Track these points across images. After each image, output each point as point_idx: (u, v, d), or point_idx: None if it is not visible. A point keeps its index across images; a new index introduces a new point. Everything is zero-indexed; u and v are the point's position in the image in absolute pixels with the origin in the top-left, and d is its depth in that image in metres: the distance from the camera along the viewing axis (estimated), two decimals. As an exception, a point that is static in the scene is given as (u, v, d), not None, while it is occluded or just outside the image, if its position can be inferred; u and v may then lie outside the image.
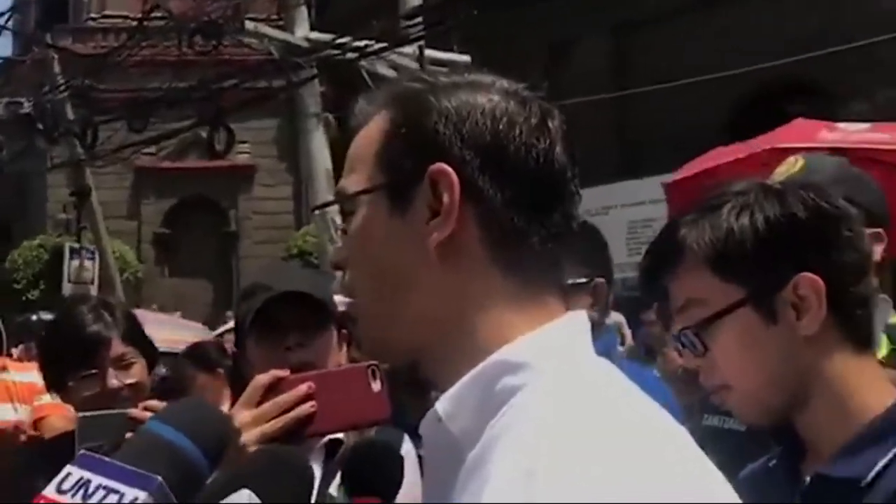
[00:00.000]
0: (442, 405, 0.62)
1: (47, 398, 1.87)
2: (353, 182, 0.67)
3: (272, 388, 0.96)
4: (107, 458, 0.67)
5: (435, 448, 0.64)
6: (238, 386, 1.42)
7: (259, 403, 0.95)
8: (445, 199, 0.62)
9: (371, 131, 0.67)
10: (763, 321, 0.87)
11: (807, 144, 3.90)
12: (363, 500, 0.97)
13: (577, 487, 0.51)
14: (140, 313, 2.26)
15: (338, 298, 1.61)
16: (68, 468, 0.67)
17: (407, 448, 1.44)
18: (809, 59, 8.41)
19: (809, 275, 0.85)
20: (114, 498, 0.64)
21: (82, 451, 0.69)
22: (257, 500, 0.79)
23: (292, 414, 0.93)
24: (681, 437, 0.59)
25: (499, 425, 0.59)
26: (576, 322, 0.64)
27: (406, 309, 0.64)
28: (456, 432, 0.61)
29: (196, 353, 3.72)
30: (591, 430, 0.55)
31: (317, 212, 8.39)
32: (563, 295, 0.66)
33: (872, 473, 0.82)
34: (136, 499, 0.64)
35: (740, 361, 0.88)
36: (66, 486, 0.66)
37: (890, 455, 0.82)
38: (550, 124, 0.65)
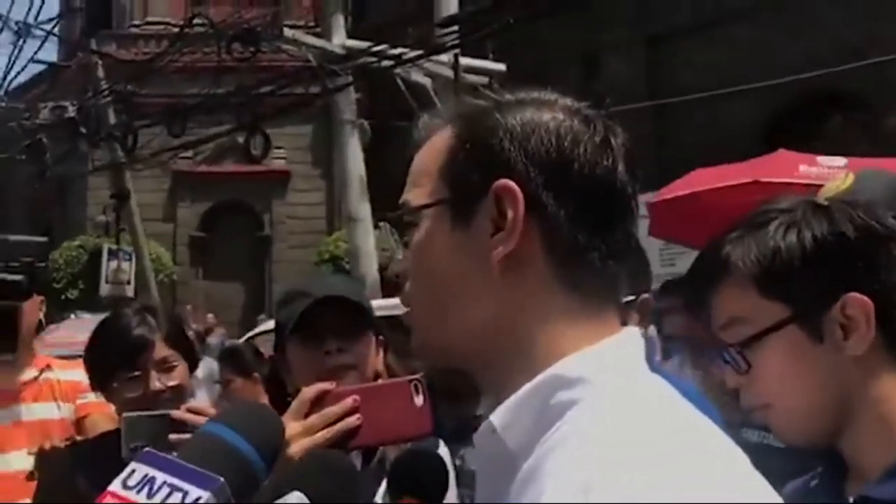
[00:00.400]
0: (497, 417, 0.62)
1: (91, 396, 1.92)
2: (417, 195, 0.68)
3: (319, 401, 0.98)
4: (171, 457, 0.69)
5: (488, 459, 0.64)
6: (275, 389, 1.45)
7: (306, 415, 0.98)
8: (510, 214, 0.63)
9: (436, 146, 0.68)
10: (809, 340, 0.85)
11: (786, 179, 3.89)
12: (408, 501, 0.97)
13: (634, 498, 0.51)
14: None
15: (376, 303, 1.64)
16: (133, 464, 0.68)
17: (442, 454, 1.46)
18: (848, 70, 8.28)
19: (858, 295, 0.84)
20: (178, 496, 0.65)
21: (147, 448, 0.71)
22: (307, 502, 0.80)
23: (339, 426, 0.95)
24: (733, 451, 0.59)
25: (553, 438, 0.59)
26: (631, 338, 0.65)
27: (464, 320, 0.65)
28: (510, 444, 0.61)
29: (232, 357, 3.77)
30: (647, 442, 0.55)
31: (349, 218, 8.45)
32: (620, 311, 0.67)
33: None
34: (200, 498, 0.65)
35: (784, 381, 0.87)
36: (131, 482, 0.67)
37: None
38: (614, 142, 0.66)
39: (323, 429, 0.96)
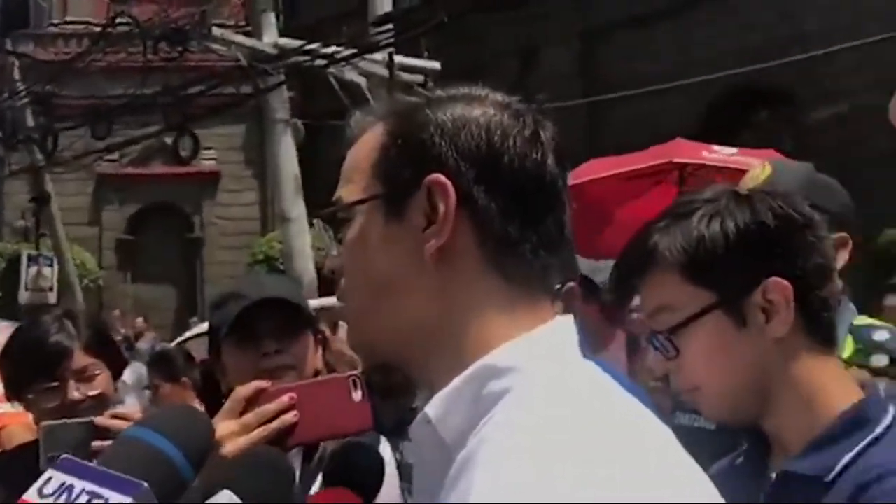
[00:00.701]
0: (432, 408, 0.63)
1: (6, 406, 1.85)
2: (350, 192, 0.69)
3: (254, 400, 0.97)
4: (91, 463, 0.67)
5: (424, 449, 0.65)
6: (210, 392, 1.43)
7: (241, 414, 0.96)
8: (441, 207, 0.64)
9: (368, 143, 0.69)
10: (733, 325, 0.89)
11: (698, 161, 4.15)
12: (335, 490, 0.97)
13: (565, 494, 0.52)
14: None
15: (315, 302, 1.63)
16: (50, 472, 0.66)
17: (384, 449, 1.47)
18: (775, 66, 8.62)
19: (778, 280, 0.88)
20: (99, 503, 0.64)
21: (65, 456, 0.68)
22: (238, 501, 0.79)
23: (274, 424, 0.94)
24: (664, 436, 0.61)
25: (485, 429, 0.60)
26: (563, 326, 0.67)
27: (399, 314, 0.66)
28: (444, 435, 0.62)
29: (161, 362, 3.68)
30: (577, 431, 0.56)
31: (283, 218, 8.33)
32: (554, 300, 0.68)
33: (836, 470, 0.85)
34: None
35: (711, 364, 0.91)
36: (48, 489, 0.65)
37: (854, 452, 0.85)
38: (543, 136, 0.67)
39: (258, 427, 0.94)
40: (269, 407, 0.95)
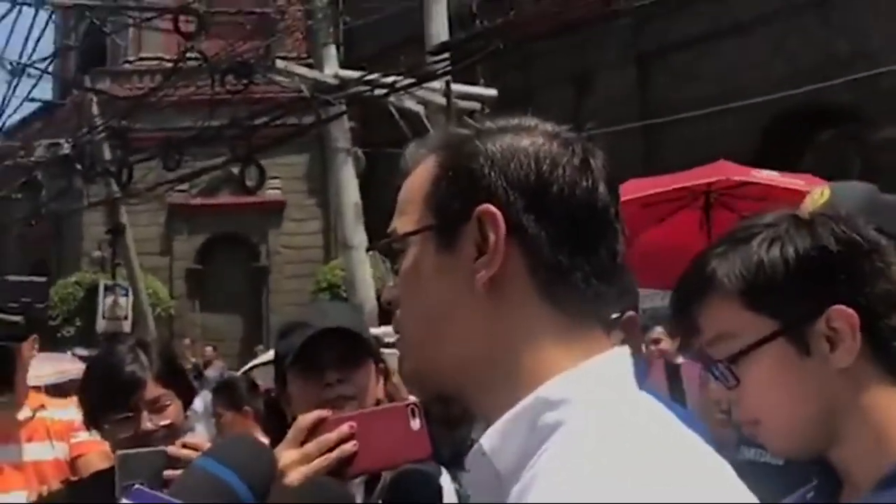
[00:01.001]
0: (487, 440, 0.63)
1: (84, 435, 1.90)
2: (403, 223, 0.70)
3: (315, 429, 0.98)
4: (161, 494, 0.69)
5: (479, 481, 0.65)
6: (275, 420, 1.44)
7: (303, 443, 0.97)
8: (492, 237, 0.64)
9: (421, 175, 0.70)
10: (796, 354, 0.86)
11: (738, 178, 4.04)
12: None
13: None
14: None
15: (378, 330, 1.63)
16: (124, 501, 0.69)
17: (445, 480, 1.45)
18: (836, 84, 8.36)
19: (843, 307, 0.85)
20: None
21: (136, 486, 0.71)
22: None
23: (335, 453, 0.95)
24: (723, 470, 0.60)
25: (540, 461, 0.60)
26: (618, 357, 0.66)
27: (452, 344, 0.66)
28: (499, 466, 0.62)
29: (224, 391, 3.74)
30: (631, 463, 0.55)
31: (345, 246, 8.45)
32: (608, 330, 0.68)
33: None
34: None
35: (772, 395, 0.87)
36: None
37: None
38: (593, 164, 0.67)
39: (319, 456, 0.95)
40: (330, 436, 0.96)
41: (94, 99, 12.83)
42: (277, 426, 1.41)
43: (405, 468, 1.07)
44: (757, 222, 0.91)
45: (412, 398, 1.01)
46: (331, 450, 0.95)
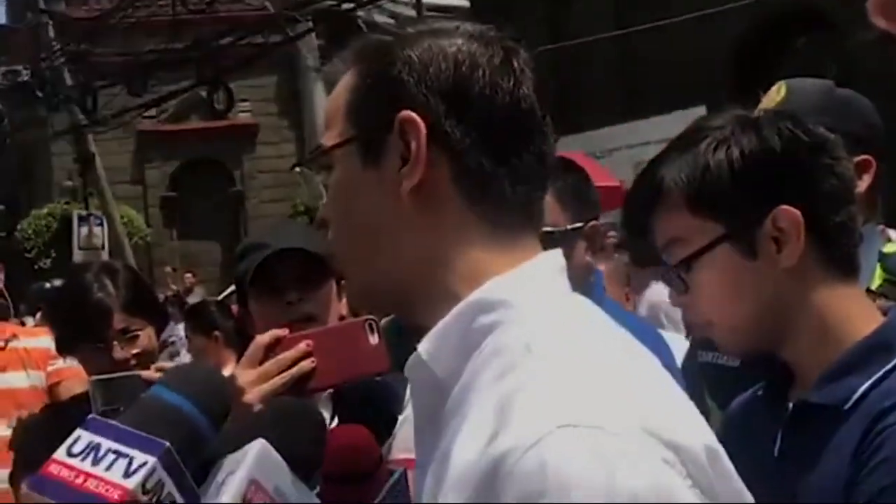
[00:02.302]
0: (424, 346, 0.63)
1: (61, 363, 1.92)
2: (328, 138, 0.68)
3: (273, 347, 0.99)
4: (115, 422, 0.69)
5: (420, 387, 0.66)
6: (243, 342, 1.45)
7: (261, 362, 0.98)
8: (413, 145, 0.63)
9: (342, 87, 0.68)
10: (744, 256, 0.87)
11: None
12: (349, 427, 0.98)
13: (549, 411, 0.54)
14: None
15: None
16: (78, 431, 0.69)
17: (410, 390, 1.48)
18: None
19: (787, 207, 0.85)
20: (123, 462, 0.66)
21: (91, 416, 0.71)
22: (273, 452, 0.80)
23: (293, 371, 0.96)
24: (650, 369, 0.61)
25: (476, 363, 0.61)
26: (549, 260, 0.66)
27: (384, 257, 0.66)
28: (438, 371, 0.63)
29: (193, 316, 3.74)
30: (559, 358, 0.57)
31: (297, 169, 8.37)
32: (538, 234, 0.67)
33: (853, 399, 0.83)
34: (146, 463, 0.66)
35: (722, 297, 0.88)
36: (76, 449, 0.68)
37: (872, 379, 0.83)
38: (515, 63, 0.65)
39: (278, 374, 0.96)
40: (288, 354, 0.97)
41: (50, 22, 12.30)
42: (245, 348, 1.43)
43: (362, 382, 1.08)
44: (705, 125, 0.90)
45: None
46: (289, 367, 0.96)
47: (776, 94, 1.25)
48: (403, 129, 0.63)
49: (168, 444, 0.68)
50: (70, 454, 0.67)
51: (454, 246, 0.64)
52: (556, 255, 0.67)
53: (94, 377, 1.34)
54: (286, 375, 0.96)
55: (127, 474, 0.65)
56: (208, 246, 16.80)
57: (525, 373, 0.57)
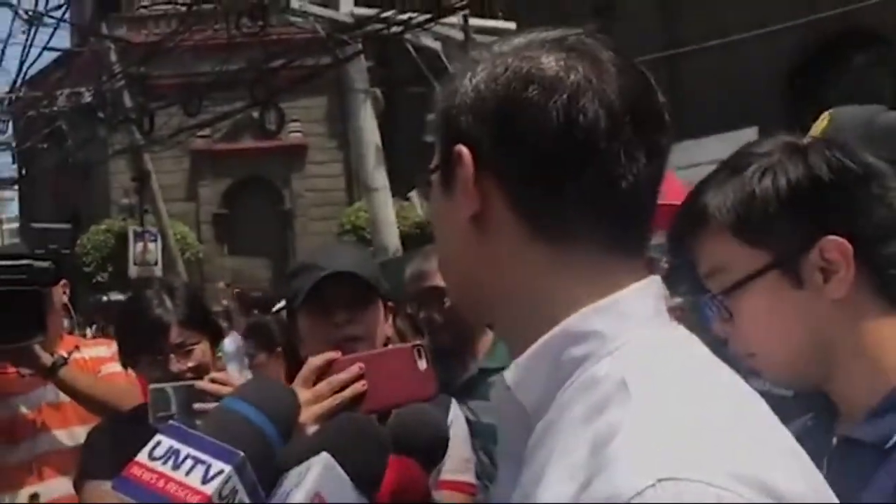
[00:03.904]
0: (510, 374, 0.62)
1: (112, 367, 2.00)
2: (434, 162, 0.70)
3: (325, 370, 1.00)
4: (193, 430, 0.71)
5: (506, 415, 0.64)
6: (292, 358, 1.50)
7: (314, 384, 0.99)
8: (460, 178, 0.63)
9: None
10: (789, 286, 0.84)
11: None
12: (399, 460, 1.01)
13: (648, 461, 0.51)
14: None
15: None
16: (158, 436, 0.71)
17: (454, 412, 1.50)
18: (869, 5, 8.04)
19: (835, 238, 0.83)
20: (202, 468, 0.68)
21: (171, 422, 0.74)
22: (337, 466, 0.81)
23: (346, 393, 0.97)
24: (754, 410, 0.58)
25: (565, 397, 0.59)
26: (647, 288, 0.62)
27: (469, 282, 0.67)
28: (523, 400, 0.61)
29: (255, 332, 3.83)
30: (657, 399, 0.54)
31: (367, 188, 8.46)
32: (637, 260, 0.64)
33: (894, 439, 0.80)
34: (222, 471, 0.68)
35: (767, 327, 0.86)
36: (157, 453, 0.70)
37: None
38: (572, 77, 0.60)
39: (331, 396, 0.97)
40: (341, 376, 0.98)
41: (112, 46, 12.78)
42: (293, 363, 1.47)
43: (410, 408, 1.10)
44: (752, 151, 0.88)
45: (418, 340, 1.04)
46: (341, 390, 0.98)
47: (821, 124, 1.24)
48: (456, 162, 0.64)
49: (243, 454, 0.70)
50: (152, 457, 0.70)
51: (524, 272, 0.62)
52: (654, 283, 0.63)
53: (153, 385, 1.41)
54: (339, 397, 0.97)
55: (205, 480, 0.68)
56: (257, 262, 17.11)
57: (621, 413, 0.54)
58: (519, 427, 0.62)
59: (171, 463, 0.69)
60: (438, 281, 1.86)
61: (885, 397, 0.83)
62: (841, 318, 0.85)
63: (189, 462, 0.69)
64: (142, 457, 0.70)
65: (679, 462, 0.50)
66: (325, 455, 0.79)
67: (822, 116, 1.26)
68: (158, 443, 0.71)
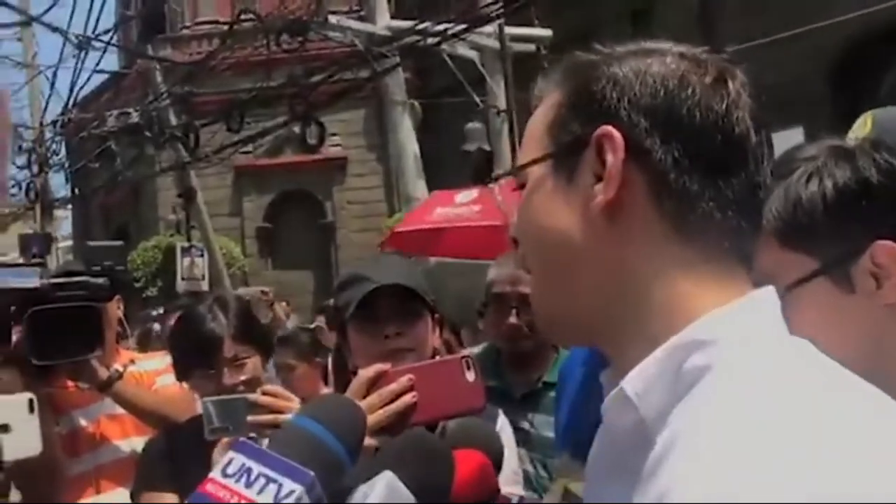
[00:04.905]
0: (630, 384, 0.58)
1: (168, 379, 2.06)
2: (523, 157, 0.66)
3: (375, 381, 1.01)
4: (265, 448, 0.72)
5: (617, 427, 0.60)
6: (340, 370, 1.52)
7: (365, 396, 1.00)
8: (609, 159, 0.59)
9: (544, 107, 0.66)
10: (840, 291, 0.83)
11: (416, 227, 4.91)
12: (465, 452, 0.98)
13: (759, 489, 0.47)
14: None
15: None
16: (231, 453, 0.71)
17: (501, 423, 1.51)
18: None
19: (886, 242, 0.82)
20: (273, 487, 0.68)
21: (243, 439, 0.74)
22: (401, 485, 0.81)
23: (397, 404, 0.98)
24: (889, 426, 0.52)
25: (687, 411, 0.55)
26: (767, 298, 0.61)
27: (575, 281, 0.62)
28: (643, 412, 0.58)
29: (288, 343, 3.87)
30: (782, 423, 0.50)
31: (408, 198, 8.50)
32: (745, 265, 0.62)
33: None
34: (293, 491, 0.68)
35: (818, 334, 0.83)
36: (230, 470, 0.69)
37: None
38: (730, 85, 0.61)
39: (381, 408, 0.98)
40: (391, 388, 0.99)
41: (157, 67, 13.12)
42: (341, 376, 1.49)
43: (465, 420, 1.11)
44: (797, 155, 0.87)
45: (466, 350, 1.04)
46: (391, 401, 0.98)
47: (863, 126, 1.22)
48: (600, 145, 0.60)
49: (313, 474, 0.69)
50: (225, 475, 0.69)
51: (652, 272, 0.59)
52: (771, 293, 0.62)
53: (206, 398, 1.45)
54: (390, 409, 0.98)
55: (277, 500, 0.67)
56: (301, 275, 17.32)
57: (737, 454, 0.49)
58: (634, 440, 0.58)
59: (243, 481, 0.69)
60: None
61: None
62: (893, 322, 0.83)
63: (262, 480, 0.68)
64: (215, 473, 0.70)
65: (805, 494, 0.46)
66: (388, 474, 0.79)
67: (862, 118, 1.24)
68: (231, 460, 0.70)
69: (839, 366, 0.58)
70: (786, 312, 0.84)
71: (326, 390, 3.22)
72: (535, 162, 0.64)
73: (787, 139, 0.97)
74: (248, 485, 0.69)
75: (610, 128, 0.60)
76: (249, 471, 0.69)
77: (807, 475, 0.47)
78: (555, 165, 0.63)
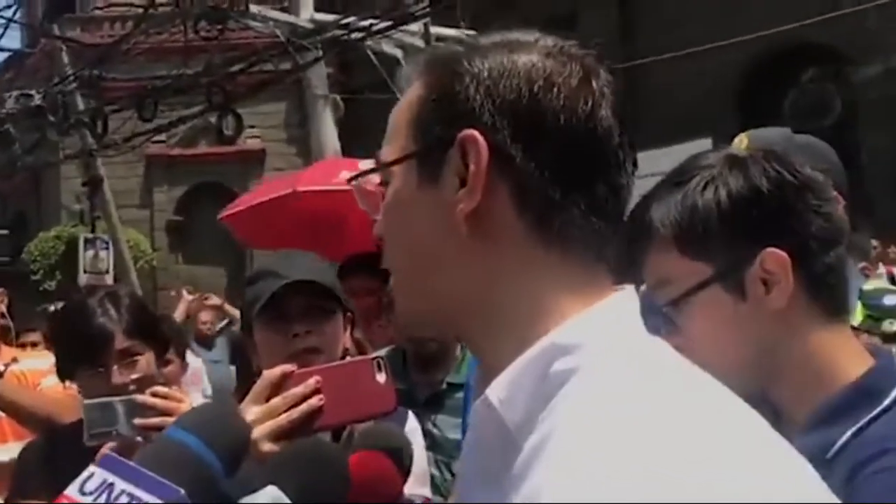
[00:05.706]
0: (494, 391, 0.58)
1: (51, 379, 1.93)
2: (386, 152, 0.64)
3: (280, 384, 0.97)
4: (130, 462, 0.67)
5: (484, 435, 0.60)
6: (243, 369, 1.46)
7: (268, 398, 0.96)
8: (472, 167, 0.58)
9: (407, 99, 0.64)
10: (732, 298, 0.86)
11: (324, 187, 4.24)
12: (371, 454, 0.96)
13: (629, 486, 0.48)
14: None
15: None
16: (91, 468, 0.66)
17: (412, 426, 1.47)
18: (820, 22, 8.28)
19: (774, 249, 0.84)
20: None
21: (108, 453, 0.70)
22: (285, 499, 0.78)
23: (302, 408, 0.94)
24: (749, 422, 0.55)
25: (554, 415, 0.55)
26: (627, 299, 0.61)
27: (438, 284, 0.61)
28: (508, 419, 0.57)
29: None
30: (647, 422, 0.51)
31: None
32: (611, 272, 0.63)
33: (836, 447, 0.81)
34: None
35: (712, 339, 0.87)
36: (89, 487, 0.65)
37: (856, 427, 0.81)
38: (594, 84, 0.60)
39: (286, 411, 0.94)
40: (296, 390, 0.95)
41: (64, 48, 12.48)
42: (244, 374, 1.42)
43: (377, 424, 1.07)
44: (695, 163, 0.89)
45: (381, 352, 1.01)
46: (297, 404, 0.94)
47: (739, 145, 1.26)
48: (464, 149, 0.59)
49: (182, 491, 0.65)
50: (82, 492, 0.64)
51: (515, 278, 0.59)
52: (631, 294, 0.62)
53: (87, 401, 1.34)
54: (294, 412, 0.94)
55: None
56: (214, 271, 16.84)
57: (605, 449, 0.50)
58: (500, 446, 0.58)
59: (103, 498, 0.64)
60: None
61: (823, 406, 0.84)
62: (781, 328, 0.86)
63: (124, 498, 0.64)
64: (71, 490, 0.65)
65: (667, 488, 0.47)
66: (271, 488, 0.75)
67: (738, 138, 1.28)
68: (91, 475, 0.65)
69: (692, 364, 0.59)
70: (682, 319, 0.86)
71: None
72: (397, 162, 0.63)
73: (696, 149, 0.99)
74: (108, 503, 0.64)
75: (474, 133, 0.59)
76: (111, 487, 0.64)
77: (672, 471, 0.48)
78: (418, 165, 0.62)
